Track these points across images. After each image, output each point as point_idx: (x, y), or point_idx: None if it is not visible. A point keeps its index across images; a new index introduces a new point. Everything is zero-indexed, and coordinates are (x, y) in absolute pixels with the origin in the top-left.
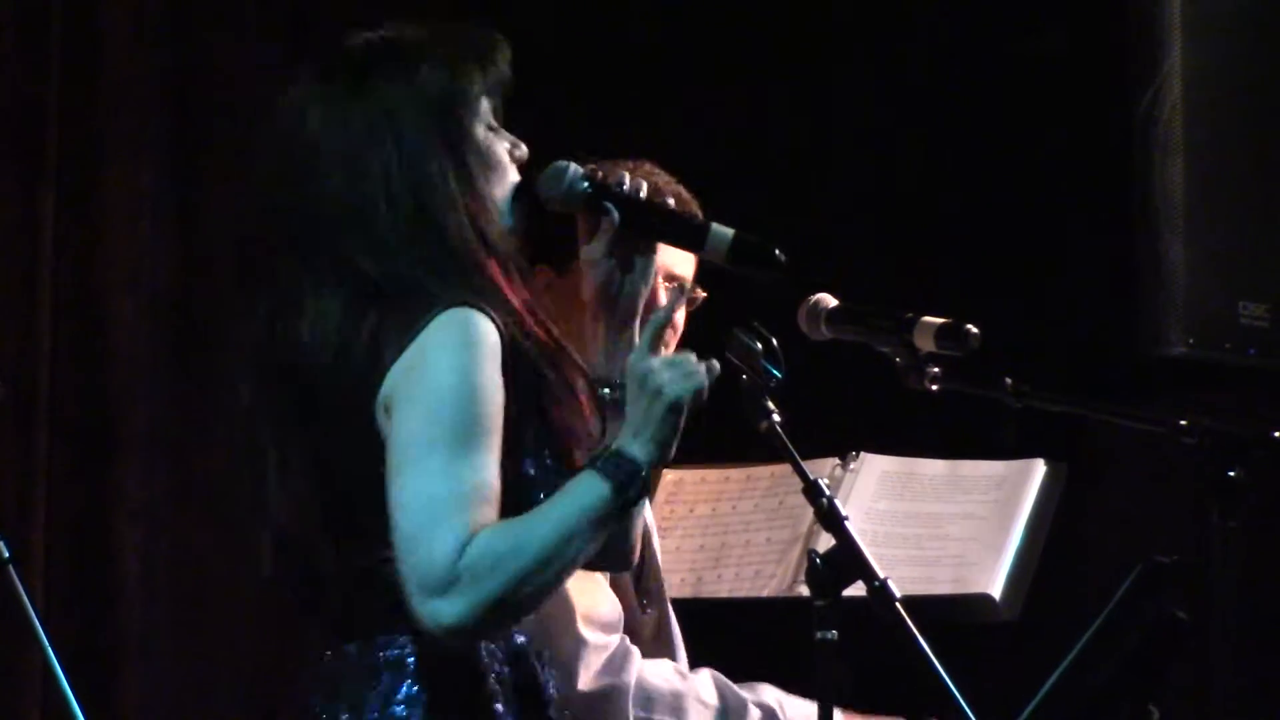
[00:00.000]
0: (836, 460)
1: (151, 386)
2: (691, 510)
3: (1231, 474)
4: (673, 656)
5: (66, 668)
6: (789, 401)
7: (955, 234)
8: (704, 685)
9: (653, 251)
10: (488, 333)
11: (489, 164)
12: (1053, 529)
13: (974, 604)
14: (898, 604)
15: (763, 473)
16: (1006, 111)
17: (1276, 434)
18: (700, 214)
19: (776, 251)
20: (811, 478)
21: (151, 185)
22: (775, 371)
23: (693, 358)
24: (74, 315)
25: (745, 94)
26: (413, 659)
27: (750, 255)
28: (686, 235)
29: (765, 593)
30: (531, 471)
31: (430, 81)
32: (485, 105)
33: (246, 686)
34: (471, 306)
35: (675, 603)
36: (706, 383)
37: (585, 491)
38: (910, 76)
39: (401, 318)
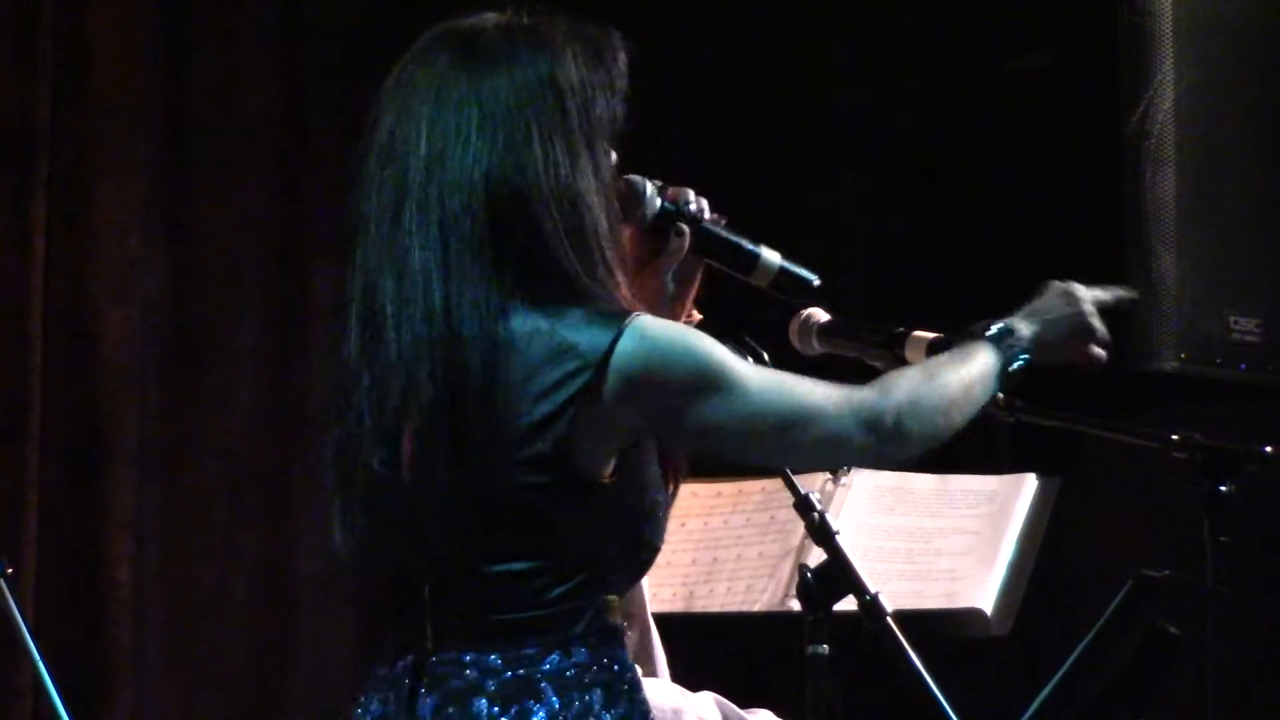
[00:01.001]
0: (828, 475)
1: (142, 399)
2: (683, 524)
3: (1223, 489)
4: (654, 674)
5: (58, 681)
6: None
7: (946, 248)
8: (705, 705)
9: (699, 270)
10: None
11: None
12: (1044, 544)
13: (966, 619)
14: (889, 618)
15: (754, 487)
16: (997, 125)
17: (1268, 449)
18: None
19: (815, 281)
20: (803, 492)
21: (142, 198)
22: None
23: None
24: (64, 328)
25: (736, 110)
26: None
27: (789, 285)
28: (739, 261)
29: (757, 607)
30: (659, 497)
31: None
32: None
33: (237, 699)
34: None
35: (667, 617)
36: (1095, 333)
37: (982, 360)
38: (901, 92)
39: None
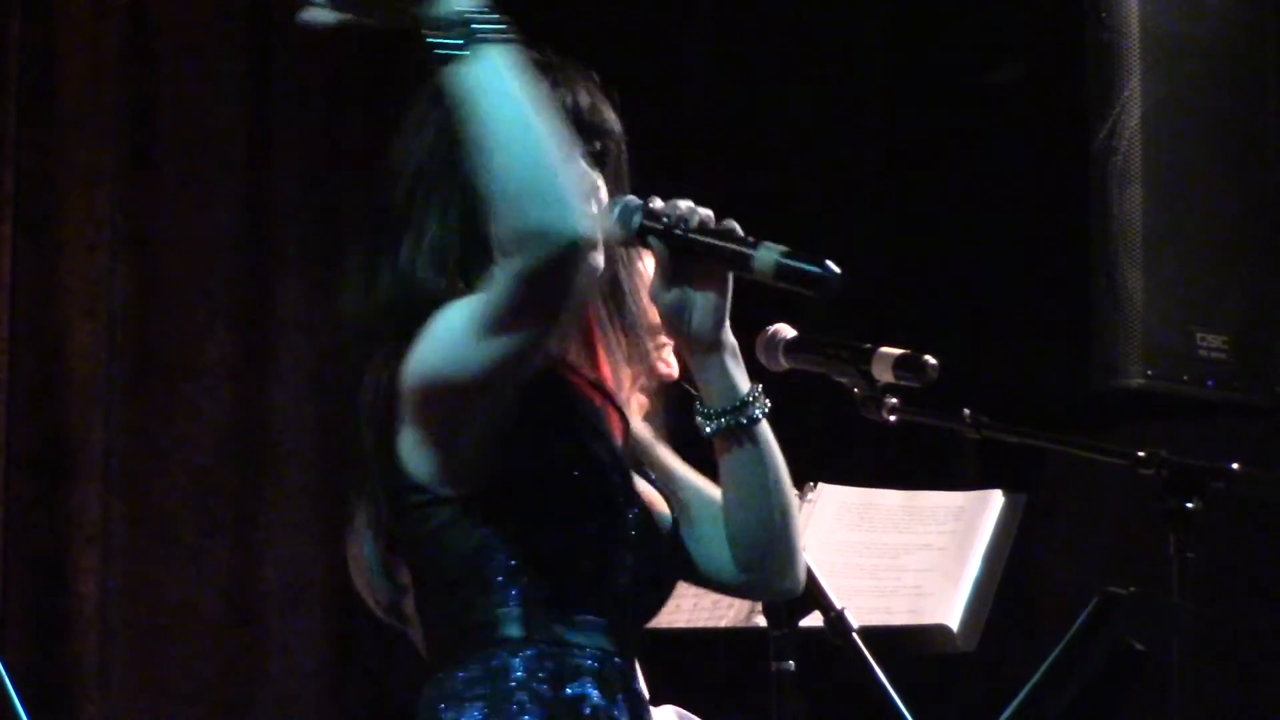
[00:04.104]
0: (794, 491)
1: (108, 413)
2: None
3: (1189, 505)
4: None
5: (22, 695)
6: None
7: (913, 264)
8: (665, 718)
9: (721, 279)
10: None
11: None
12: (1010, 560)
13: (931, 634)
14: (855, 634)
15: None
16: (964, 141)
17: (1234, 466)
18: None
19: (822, 268)
20: None
21: (109, 213)
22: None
23: None
24: (31, 342)
25: (703, 123)
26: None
27: (795, 278)
28: (733, 262)
29: (723, 623)
30: (576, 473)
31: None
32: None
33: (204, 713)
34: None
35: None
36: None
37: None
38: (869, 107)
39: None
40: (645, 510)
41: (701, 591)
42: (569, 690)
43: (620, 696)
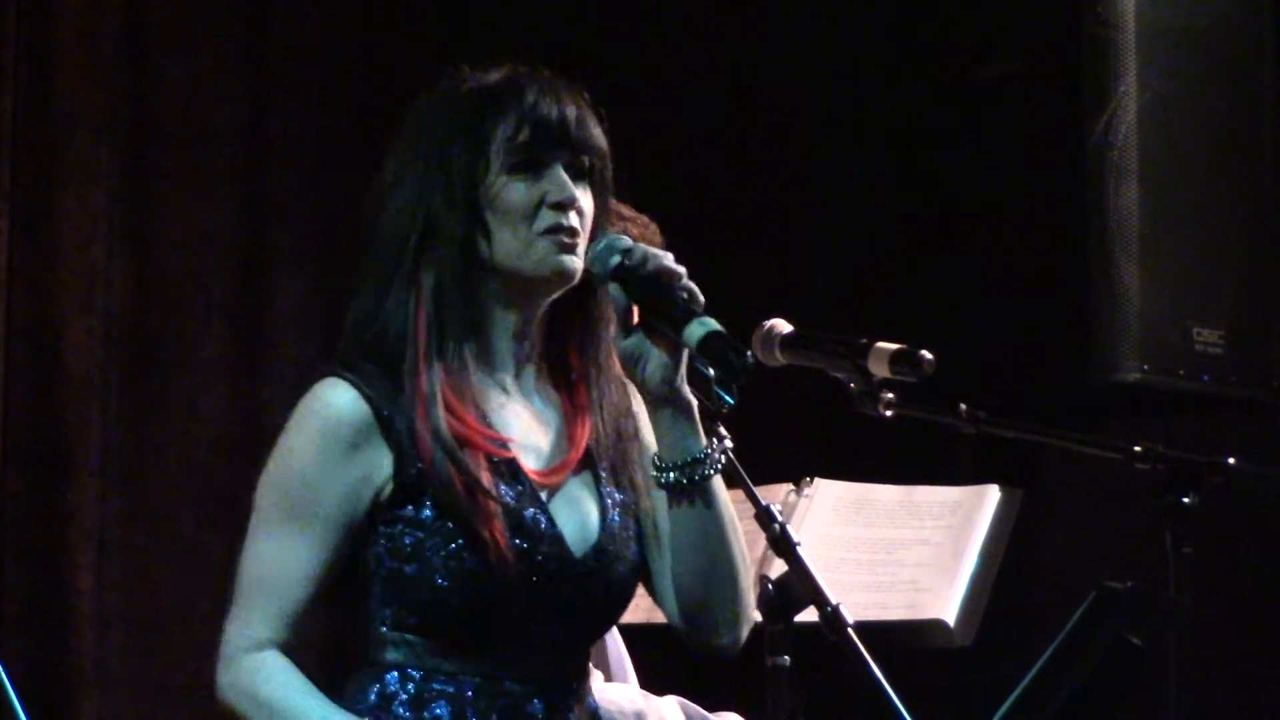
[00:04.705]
0: (790, 486)
1: (105, 410)
2: None
3: (1185, 500)
4: (612, 679)
5: (19, 691)
6: (742, 427)
7: (909, 259)
8: (669, 708)
9: (672, 339)
10: (329, 407)
11: (487, 209)
12: (1007, 555)
13: (928, 630)
14: (851, 630)
15: None
16: (961, 137)
17: (1230, 460)
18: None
19: (742, 359)
20: (764, 503)
21: (105, 209)
22: (728, 398)
23: None
24: (28, 338)
25: (698, 122)
26: None
27: (715, 354)
28: (667, 321)
29: None
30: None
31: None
32: (496, 149)
33: (201, 709)
34: (337, 376)
35: (629, 628)
36: None
37: None
38: (864, 102)
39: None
40: (552, 541)
41: None
42: (425, 714)
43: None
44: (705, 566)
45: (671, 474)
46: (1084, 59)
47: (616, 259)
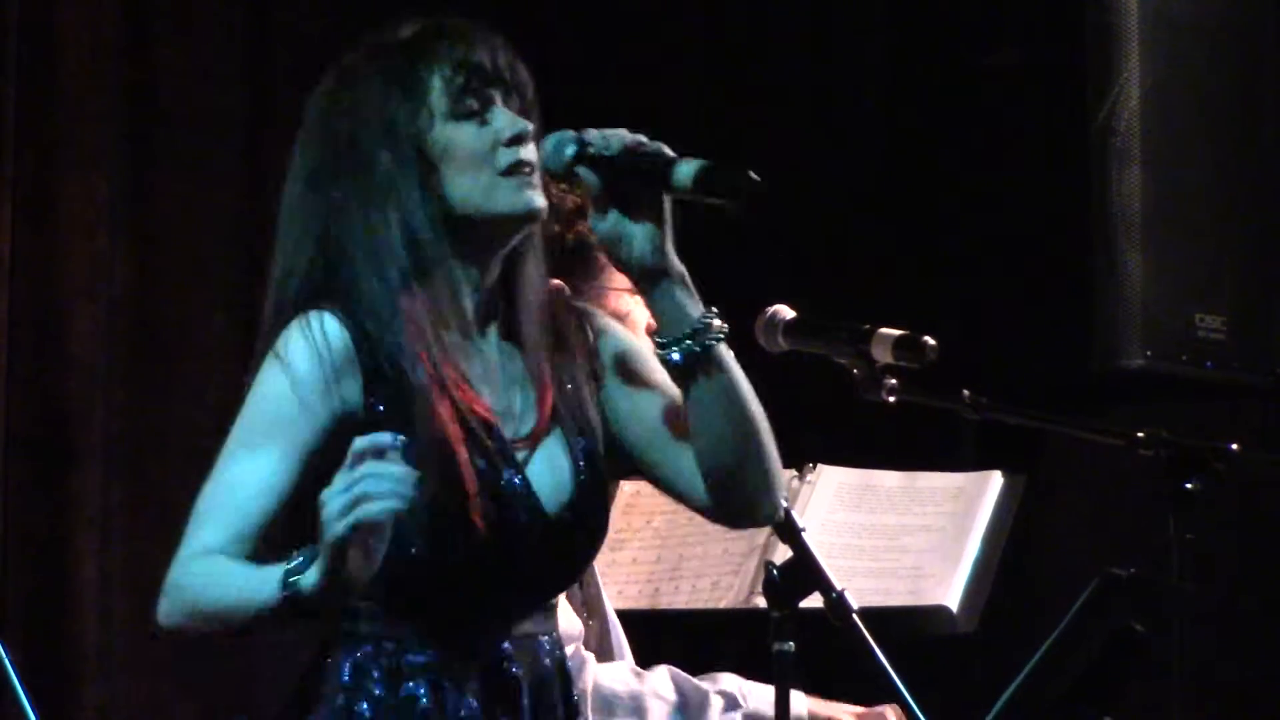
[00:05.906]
0: (794, 472)
1: (108, 397)
2: (649, 521)
3: (1188, 486)
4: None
5: (23, 680)
6: None
7: (912, 246)
8: (661, 681)
9: (656, 206)
10: (321, 334)
11: (440, 159)
12: (1010, 541)
13: (931, 616)
14: (854, 615)
15: None
16: (964, 123)
17: (1233, 446)
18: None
19: (742, 178)
20: None
21: (108, 196)
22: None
23: (370, 480)
24: (31, 325)
25: (701, 101)
26: None
27: (714, 185)
28: (652, 175)
29: (722, 604)
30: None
31: (363, 94)
32: (437, 98)
33: (205, 697)
34: (321, 309)
35: (632, 614)
36: (372, 518)
37: (260, 587)
38: (868, 89)
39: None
40: (520, 496)
41: (701, 573)
42: (401, 691)
43: (476, 686)
44: (732, 432)
45: (681, 347)
46: (1087, 45)
47: (572, 149)
